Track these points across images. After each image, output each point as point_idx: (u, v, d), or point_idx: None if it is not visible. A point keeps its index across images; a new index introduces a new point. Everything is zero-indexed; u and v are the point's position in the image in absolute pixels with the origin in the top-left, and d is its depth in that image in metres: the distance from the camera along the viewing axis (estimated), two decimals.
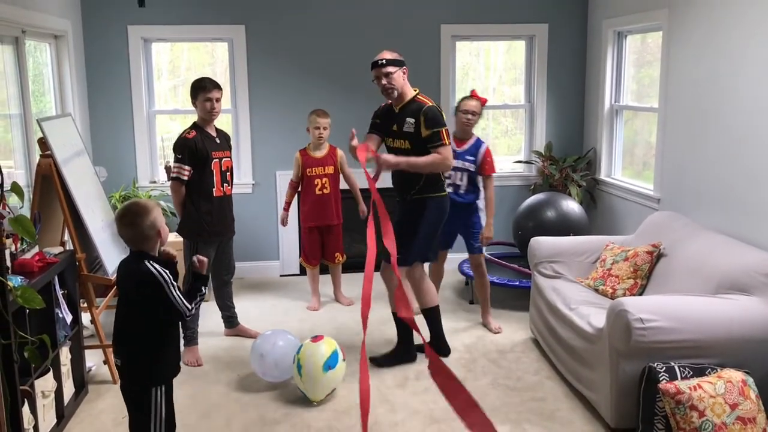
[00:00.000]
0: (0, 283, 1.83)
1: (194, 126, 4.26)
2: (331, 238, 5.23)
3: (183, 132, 4.26)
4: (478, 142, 4.66)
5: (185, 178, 4.21)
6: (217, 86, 4.22)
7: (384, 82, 3.93)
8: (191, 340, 4.35)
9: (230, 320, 4.71)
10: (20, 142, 4.39)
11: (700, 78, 4.34)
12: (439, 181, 4.05)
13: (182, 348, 4.28)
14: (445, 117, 3.99)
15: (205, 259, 2.88)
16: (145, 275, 2.62)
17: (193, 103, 4.24)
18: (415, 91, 4.03)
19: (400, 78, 3.93)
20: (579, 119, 6.18)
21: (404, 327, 4.11)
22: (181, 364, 4.20)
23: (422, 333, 2.77)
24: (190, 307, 2.70)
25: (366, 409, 2.42)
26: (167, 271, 2.67)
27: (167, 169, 5.84)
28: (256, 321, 4.88)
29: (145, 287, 2.63)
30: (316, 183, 5.06)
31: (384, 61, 3.92)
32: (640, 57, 5.55)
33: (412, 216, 4.02)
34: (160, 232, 2.71)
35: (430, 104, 3.95)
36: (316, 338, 3.77)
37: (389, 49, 4.08)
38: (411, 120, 3.93)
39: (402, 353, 4.19)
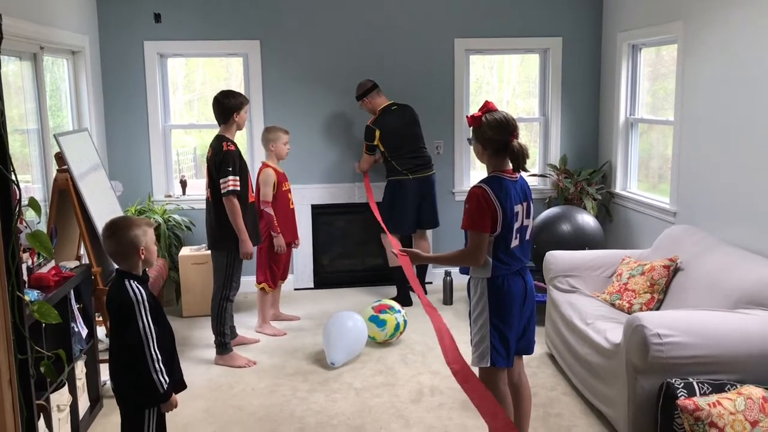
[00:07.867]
0: (17, 298, 1.83)
1: (226, 139, 4.29)
2: (290, 255, 5.17)
3: (221, 145, 4.23)
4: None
5: (239, 189, 4.23)
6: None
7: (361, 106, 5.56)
8: (225, 347, 4.42)
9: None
10: (37, 157, 4.43)
11: (716, 90, 4.32)
12: (394, 168, 5.39)
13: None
14: (378, 135, 5.30)
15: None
16: (123, 295, 2.56)
17: (235, 113, 4.28)
18: (379, 111, 5.38)
19: (366, 103, 5.45)
20: (594, 132, 6.16)
21: (401, 279, 5.37)
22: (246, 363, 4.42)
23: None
24: (154, 345, 2.53)
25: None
26: (144, 293, 2.58)
27: (183, 183, 5.88)
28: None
29: (121, 307, 2.56)
30: (289, 198, 5.01)
31: (356, 98, 5.51)
32: (655, 70, 5.53)
33: (384, 194, 5.52)
34: (142, 251, 2.63)
35: (368, 123, 5.39)
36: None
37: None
38: None
39: (401, 298, 5.46)
